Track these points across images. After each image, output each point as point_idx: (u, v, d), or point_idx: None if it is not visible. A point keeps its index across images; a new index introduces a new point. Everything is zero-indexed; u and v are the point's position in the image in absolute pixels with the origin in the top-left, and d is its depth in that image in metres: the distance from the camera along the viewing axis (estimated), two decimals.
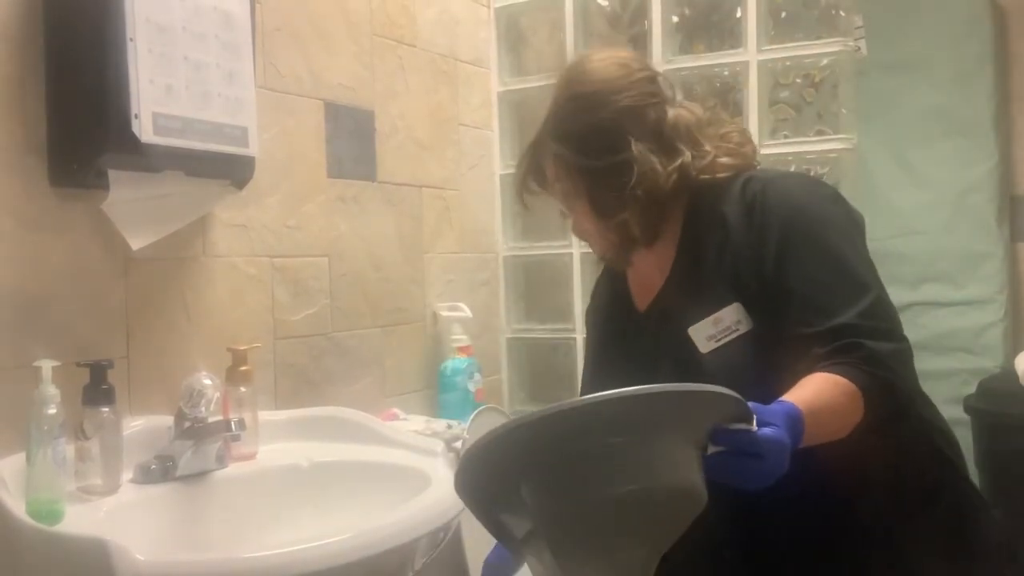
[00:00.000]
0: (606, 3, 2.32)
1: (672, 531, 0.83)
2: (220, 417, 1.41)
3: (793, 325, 1.04)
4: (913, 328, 2.49)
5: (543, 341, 2.34)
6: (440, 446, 1.50)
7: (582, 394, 1.34)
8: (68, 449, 1.18)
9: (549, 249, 2.32)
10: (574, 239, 2.25)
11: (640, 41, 2.21)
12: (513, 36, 2.39)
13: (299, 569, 1.02)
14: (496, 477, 0.81)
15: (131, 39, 1.26)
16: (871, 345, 1.01)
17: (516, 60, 2.38)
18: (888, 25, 2.48)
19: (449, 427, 1.85)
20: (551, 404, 0.76)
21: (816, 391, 0.96)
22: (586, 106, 1.17)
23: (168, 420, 1.36)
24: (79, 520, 1.12)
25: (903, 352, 1.05)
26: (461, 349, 2.08)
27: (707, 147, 1.17)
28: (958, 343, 2.45)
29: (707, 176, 1.16)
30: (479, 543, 1.55)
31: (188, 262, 1.51)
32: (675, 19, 2.17)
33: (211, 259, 1.55)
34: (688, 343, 1.12)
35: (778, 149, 2.02)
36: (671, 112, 1.18)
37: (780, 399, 0.92)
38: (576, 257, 2.26)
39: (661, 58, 2.14)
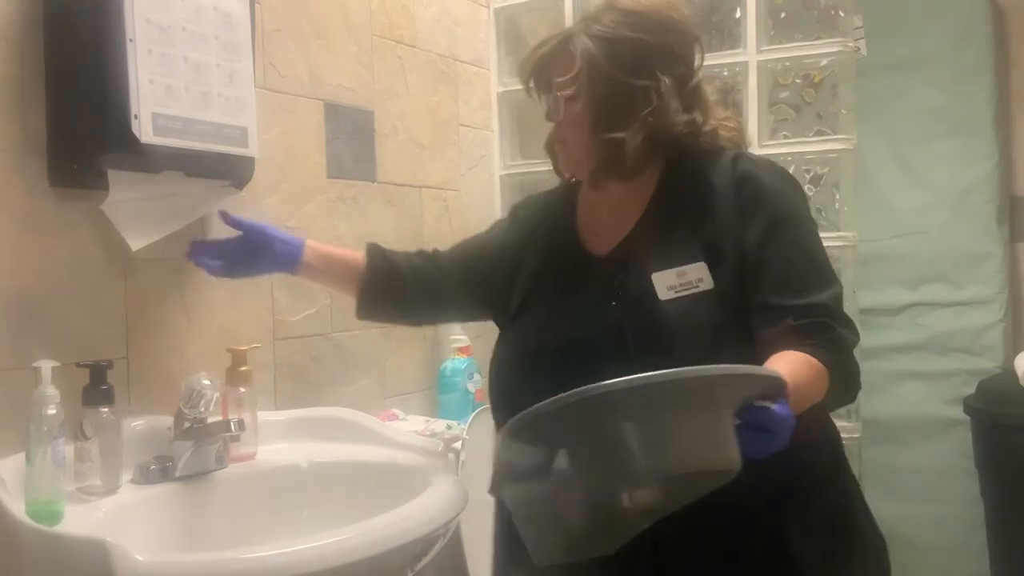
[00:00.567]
0: None
1: (700, 489, 0.92)
2: (220, 418, 1.41)
3: (765, 295, 1.11)
4: (913, 328, 2.53)
5: None
6: (440, 446, 1.50)
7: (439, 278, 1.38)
8: (68, 450, 1.19)
9: None
10: None
11: None
12: (513, 37, 2.39)
13: (298, 569, 1.02)
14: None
15: (131, 39, 1.26)
16: (840, 331, 1.10)
17: (516, 61, 2.38)
18: (888, 25, 2.48)
19: (449, 428, 1.85)
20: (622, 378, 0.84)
21: (795, 369, 1.02)
22: (636, 23, 1.19)
23: (168, 420, 1.36)
24: (79, 521, 1.12)
25: (856, 344, 1.13)
26: (461, 350, 2.08)
27: (712, 121, 1.24)
28: (958, 343, 2.45)
29: (705, 142, 1.22)
30: (479, 543, 1.55)
31: (188, 263, 1.51)
32: None
33: None
34: (649, 288, 1.14)
35: (778, 149, 2.02)
36: (695, 77, 1.23)
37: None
38: None
39: None
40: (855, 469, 1.30)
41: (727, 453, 0.89)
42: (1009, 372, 2.28)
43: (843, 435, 1.28)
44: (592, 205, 1.29)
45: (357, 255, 1.41)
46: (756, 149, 1.92)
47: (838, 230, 1.99)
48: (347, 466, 1.47)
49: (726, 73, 2.05)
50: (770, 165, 1.22)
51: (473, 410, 1.96)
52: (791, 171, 1.32)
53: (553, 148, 1.30)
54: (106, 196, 1.30)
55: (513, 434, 0.90)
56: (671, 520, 0.97)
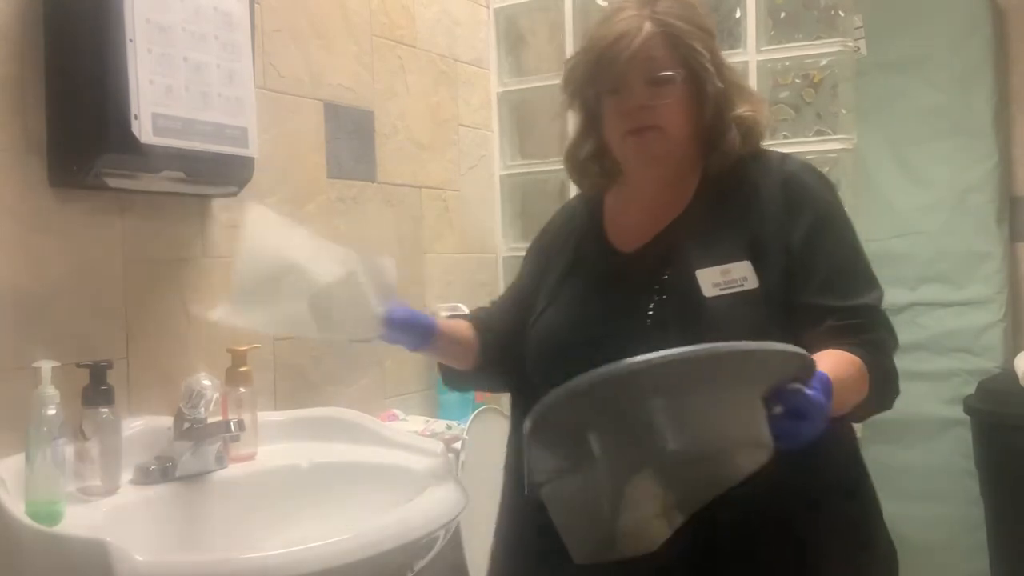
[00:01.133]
0: (605, 4, 2.32)
1: (735, 474, 0.92)
2: (219, 418, 1.41)
3: (809, 295, 1.11)
4: (913, 328, 2.53)
5: None
6: (440, 447, 1.50)
7: (498, 320, 1.34)
8: (67, 450, 1.18)
9: None
10: None
11: None
12: (513, 37, 2.39)
13: (298, 570, 1.02)
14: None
15: (131, 39, 1.26)
16: (882, 333, 1.11)
17: (516, 61, 2.38)
18: (888, 25, 2.48)
19: (448, 428, 1.86)
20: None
21: (838, 364, 1.02)
22: (693, 14, 1.20)
23: (167, 421, 1.36)
24: (78, 521, 1.12)
25: (896, 348, 1.14)
26: None
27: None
28: (958, 343, 2.45)
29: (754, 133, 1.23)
30: (479, 544, 1.55)
31: (187, 263, 1.51)
32: None
33: (211, 260, 1.55)
34: (693, 285, 1.13)
35: (778, 149, 2.01)
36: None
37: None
38: None
39: None
40: None
41: (757, 433, 0.88)
42: (1009, 372, 2.28)
43: None
44: (621, 206, 1.28)
45: (468, 333, 1.33)
46: None
47: None
48: (347, 466, 1.47)
49: None
50: (813, 167, 1.23)
51: (473, 410, 1.96)
52: None
53: (584, 162, 1.29)
54: (106, 196, 1.30)
55: (552, 408, 0.88)
56: (704, 524, 0.97)
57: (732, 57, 2.02)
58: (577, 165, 1.31)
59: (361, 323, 1.20)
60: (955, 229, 2.46)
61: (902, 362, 1.13)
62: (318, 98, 1.79)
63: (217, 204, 1.56)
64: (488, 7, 2.34)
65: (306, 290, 1.17)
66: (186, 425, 1.34)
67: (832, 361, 1.02)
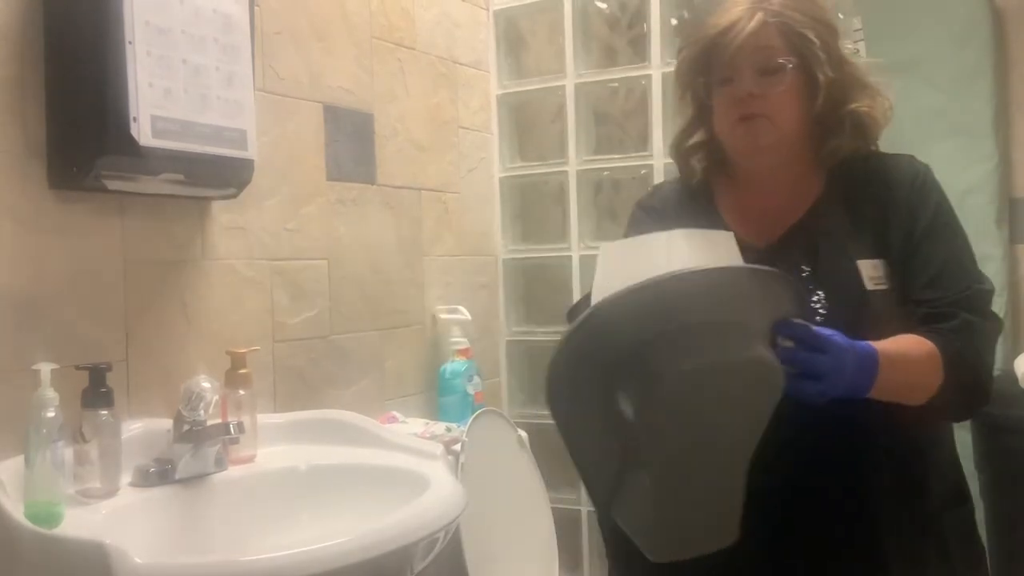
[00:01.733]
0: (605, 5, 2.32)
1: (758, 413, 0.94)
2: (219, 420, 1.40)
3: (915, 291, 1.13)
4: None
5: (542, 344, 2.33)
6: (439, 449, 1.50)
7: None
8: (67, 452, 1.18)
9: (549, 252, 2.32)
10: (574, 243, 2.26)
11: (639, 44, 2.21)
12: (512, 39, 2.39)
13: (297, 572, 1.02)
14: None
15: (130, 42, 1.26)
16: (967, 317, 1.10)
17: (515, 63, 2.39)
18: (887, 27, 2.48)
19: (448, 430, 1.85)
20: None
21: (896, 342, 1.04)
22: (829, 24, 1.26)
23: (167, 423, 1.36)
24: (78, 523, 1.12)
25: (993, 337, 1.17)
26: (460, 352, 2.07)
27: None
28: None
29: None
30: (478, 545, 1.55)
31: (187, 265, 1.51)
32: (674, 22, 2.17)
33: (210, 262, 1.55)
34: (854, 275, 1.13)
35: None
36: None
37: None
38: (576, 260, 2.26)
39: (660, 61, 2.14)
40: None
41: (764, 354, 0.92)
42: (1009, 373, 2.27)
43: None
44: (737, 200, 1.26)
45: None
46: None
47: None
48: (347, 469, 1.47)
49: None
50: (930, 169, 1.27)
51: (473, 412, 1.96)
52: None
53: (689, 148, 1.28)
54: (105, 198, 1.29)
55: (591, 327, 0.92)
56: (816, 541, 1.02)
57: None
58: (683, 152, 1.30)
59: None
60: None
61: None
62: (318, 100, 1.79)
63: (216, 206, 1.56)
64: (487, 9, 2.34)
65: None
66: (185, 427, 1.34)
67: (893, 340, 1.03)
